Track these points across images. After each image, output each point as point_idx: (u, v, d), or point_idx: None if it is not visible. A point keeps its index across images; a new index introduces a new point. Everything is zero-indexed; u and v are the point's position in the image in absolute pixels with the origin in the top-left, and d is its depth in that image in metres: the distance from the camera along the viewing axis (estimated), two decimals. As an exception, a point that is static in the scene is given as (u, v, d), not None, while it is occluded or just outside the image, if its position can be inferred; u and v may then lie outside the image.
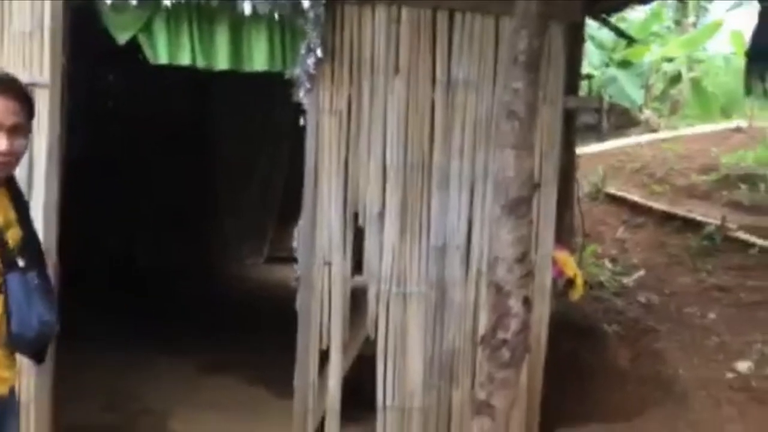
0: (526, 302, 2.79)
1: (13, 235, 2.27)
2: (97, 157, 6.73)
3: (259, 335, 5.51)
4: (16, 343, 2.21)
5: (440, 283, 3.56)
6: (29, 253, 2.30)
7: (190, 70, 5.65)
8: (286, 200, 8.03)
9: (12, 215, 2.27)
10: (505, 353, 2.75)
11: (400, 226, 3.53)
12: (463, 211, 3.58)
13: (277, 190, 8.13)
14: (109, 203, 6.94)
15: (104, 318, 5.30)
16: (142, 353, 4.91)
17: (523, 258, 2.78)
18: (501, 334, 2.76)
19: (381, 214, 3.52)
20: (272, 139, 8.08)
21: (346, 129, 3.49)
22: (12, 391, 2.27)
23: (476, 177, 3.58)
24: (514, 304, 2.76)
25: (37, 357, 2.26)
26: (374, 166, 3.52)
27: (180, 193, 7.49)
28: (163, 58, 3.39)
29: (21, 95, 2.13)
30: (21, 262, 2.24)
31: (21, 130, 2.13)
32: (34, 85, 3.20)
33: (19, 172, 2.98)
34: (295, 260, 3.69)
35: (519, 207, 2.74)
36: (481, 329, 3.55)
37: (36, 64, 3.22)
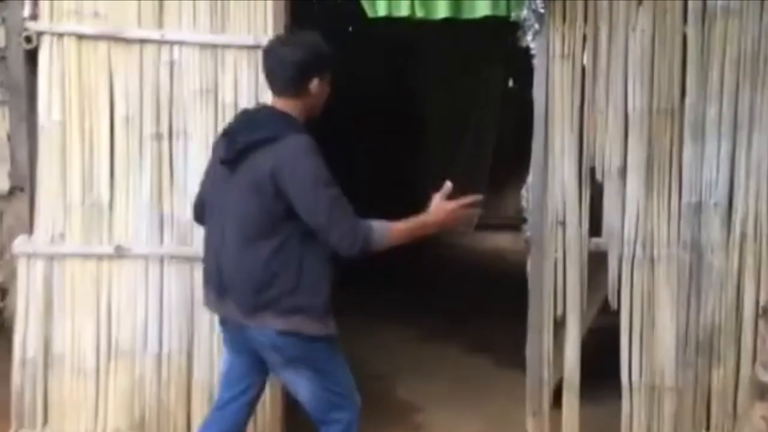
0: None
1: None
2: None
3: (476, 304, 5.34)
4: None
5: (695, 245, 3.09)
6: None
7: (394, 34, 5.48)
8: (497, 165, 7.76)
9: None
10: (797, 328, 2.28)
11: (646, 181, 3.10)
12: (723, 162, 3.07)
13: (486, 156, 7.89)
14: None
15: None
16: (363, 321, 4.90)
17: (819, 213, 2.27)
18: (791, 305, 2.29)
19: (623, 168, 3.12)
20: (480, 104, 7.84)
21: (580, 73, 3.12)
22: None
23: (740, 122, 3.05)
24: (808, 268, 2.26)
25: None
26: (614, 114, 3.11)
27: (388, 160, 7.48)
28: (381, 11, 3.23)
29: None
30: None
31: None
32: (258, 47, 3.19)
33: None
34: (521, 222, 3.40)
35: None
36: (747, 299, 3.06)
37: (260, 26, 3.18)
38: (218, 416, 2.63)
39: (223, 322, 2.61)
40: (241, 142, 2.44)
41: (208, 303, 2.62)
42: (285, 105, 2.50)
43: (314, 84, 2.50)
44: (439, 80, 7.62)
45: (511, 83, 8.24)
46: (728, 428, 3.04)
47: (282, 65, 2.48)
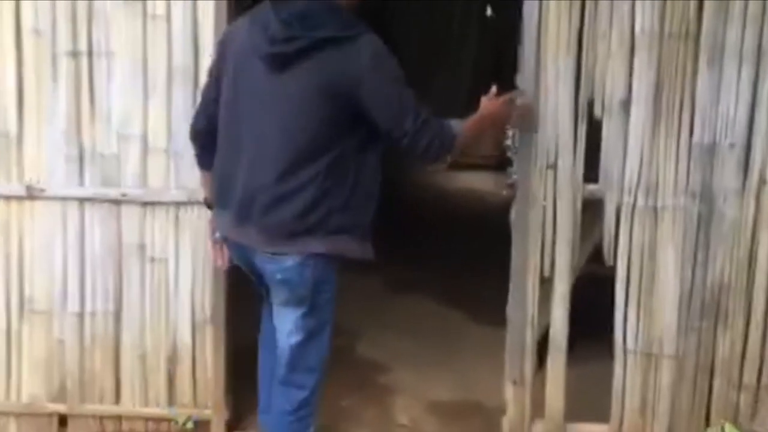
0: None
1: None
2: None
3: (451, 251, 4.97)
4: None
5: (706, 193, 2.68)
6: None
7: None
8: (473, 100, 7.39)
9: None
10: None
11: (653, 117, 2.66)
12: (742, 97, 2.63)
13: (461, 92, 7.55)
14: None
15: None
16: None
17: None
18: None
19: (626, 102, 2.67)
20: (457, 37, 7.60)
21: (581, -14, 2.64)
22: None
23: (764, 49, 2.61)
24: None
25: None
26: (618, 38, 2.64)
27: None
28: None
29: None
30: None
31: None
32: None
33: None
34: (505, 164, 2.98)
35: None
36: (761, 254, 2.70)
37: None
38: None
39: (235, 248, 2.37)
40: (302, 38, 2.14)
41: (221, 228, 2.37)
42: None
43: None
44: (414, 9, 7.30)
45: (489, 12, 7.82)
46: (732, 401, 2.72)
47: None
